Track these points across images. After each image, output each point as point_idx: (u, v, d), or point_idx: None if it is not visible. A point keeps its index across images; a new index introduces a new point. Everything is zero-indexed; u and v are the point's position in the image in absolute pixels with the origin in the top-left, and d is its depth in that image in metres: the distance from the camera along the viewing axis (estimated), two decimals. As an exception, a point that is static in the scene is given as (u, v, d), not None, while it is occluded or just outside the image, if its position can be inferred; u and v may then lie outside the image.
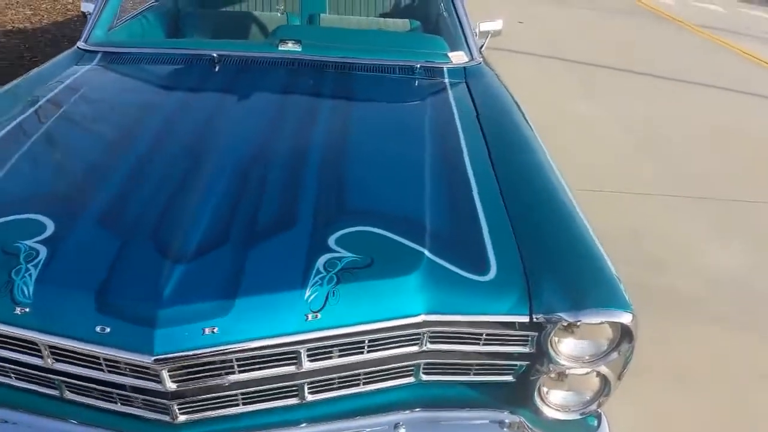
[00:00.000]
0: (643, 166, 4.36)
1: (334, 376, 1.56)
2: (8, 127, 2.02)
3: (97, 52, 2.60)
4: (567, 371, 1.62)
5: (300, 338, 1.42)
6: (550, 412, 1.66)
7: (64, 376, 1.48)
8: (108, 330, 1.35)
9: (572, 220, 1.78)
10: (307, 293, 1.43)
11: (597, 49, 7.37)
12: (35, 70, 2.52)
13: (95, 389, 1.49)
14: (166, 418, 1.48)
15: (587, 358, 1.59)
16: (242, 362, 1.44)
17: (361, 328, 1.46)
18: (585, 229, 1.75)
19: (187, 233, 1.53)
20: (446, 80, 2.61)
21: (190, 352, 1.37)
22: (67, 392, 1.52)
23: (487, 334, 1.56)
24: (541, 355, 1.58)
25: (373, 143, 2.11)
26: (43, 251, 1.45)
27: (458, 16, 2.91)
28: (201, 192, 1.68)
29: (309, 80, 2.52)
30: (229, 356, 1.41)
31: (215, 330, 1.37)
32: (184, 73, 2.53)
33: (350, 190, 1.82)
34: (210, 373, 1.43)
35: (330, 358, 1.51)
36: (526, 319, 1.51)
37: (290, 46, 2.65)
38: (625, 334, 1.55)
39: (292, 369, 1.49)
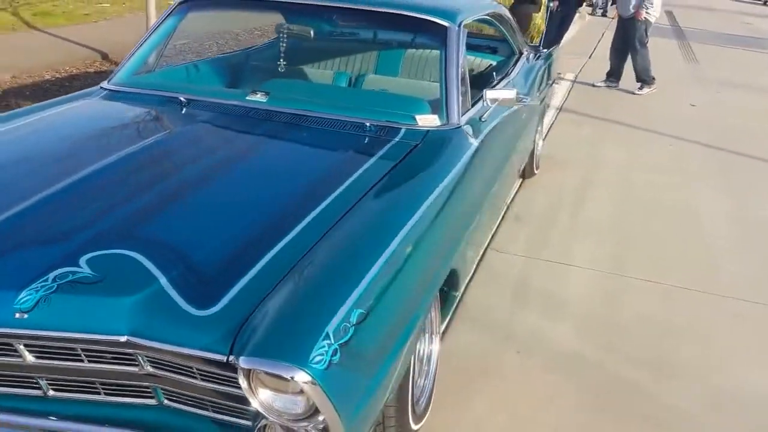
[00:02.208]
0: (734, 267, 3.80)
1: (71, 378, 1.67)
2: None
3: (107, 90, 2.99)
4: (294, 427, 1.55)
5: (7, 332, 1.57)
6: None
7: None
8: None
9: (346, 283, 1.67)
10: (22, 295, 1.57)
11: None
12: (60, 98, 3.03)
13: None
14: None
15: (285, 415, 1.52)
16: None
17: (64, 335, 1.57)
18: (348, 293, 1.63)
19: None
20: (394, 140, 2.58)
21: None
22: None
23: (198, 369, 1.56)
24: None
25: (239, 185, 2.22)
26: None
27: (446, 80, 2.86)
28: (32, 203, 1.92)
29: (247, 127, 2.67)
30: None
31: None
32: (148, 112, 2.81)
33: (156, 220, 1.93)
34: None
35: (53, 358, 1.63)
36: (223, 358, 1.49)
37: (258, 97, 2.81)
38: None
39: (18, 360, 1.63)
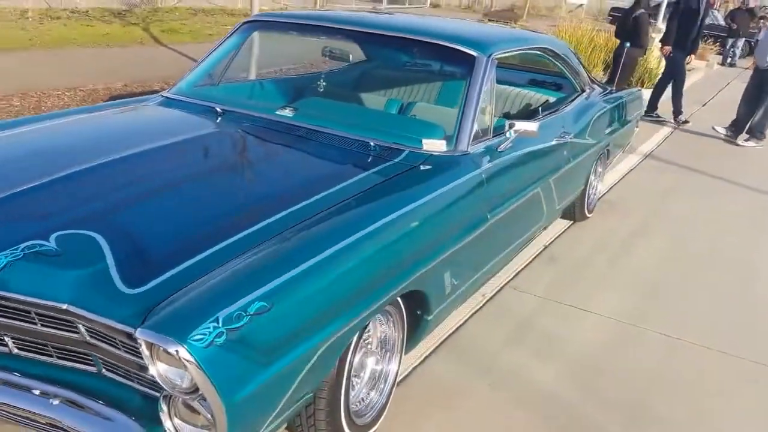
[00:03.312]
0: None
1: (29, 339, 1.93)
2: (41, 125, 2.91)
3: (164, 97, 3.35)
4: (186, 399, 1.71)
5: None
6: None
7: None
8: None
9: (259, 278, 1.82)
10: None
11: None
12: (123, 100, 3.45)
13: None
14: None
15: (177, 387, 1.69)
16: None
17: (19, 297, 1.81)
18: (256, 286, 1.78)
19: None
20: (393, 160, 2.72)
21: None
22: None
23: (120, 341, 1.77)
24: None
25: (226, 185, 2.47)
26: None
27: (464, 107, 2.95)
28: (36, 185, 2.23)
29: (265, 138, 2.93)
30: None
31: None
32: (184, 118, 3.12)
33: (133, 209, 2.18)
34: None
35: (14, 319, 1.89)
36: (132, 331, 1.66)
37: (285, 112, 3.06)
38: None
39: (-14, 318, 1.92)
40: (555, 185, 3.81)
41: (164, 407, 1.76)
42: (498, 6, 25.59)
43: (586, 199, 4.79)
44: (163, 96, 3.40)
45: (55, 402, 1.85)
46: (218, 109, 3.10)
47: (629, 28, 8.78)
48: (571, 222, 4.83)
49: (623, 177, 6.26)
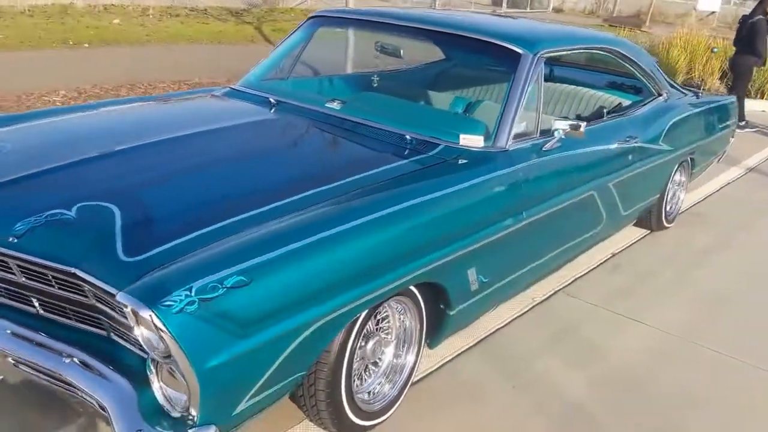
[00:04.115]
0: None
1: (51, 300, 2.08)
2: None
3: (232, 89, 3.51)
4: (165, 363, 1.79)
5: (2, 251, 2.01)
6: (157, 394, 1.85)
7: None
8: None
9: (245, 252, 1.88)
10: (19, 225, 2.02)
11: None
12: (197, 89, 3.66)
13: None
14: None
15: (155, 351, 1.77)
16: None
17: (36, 260, 1.97)
18: (239, 260, 1.83)
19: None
20: (428, 153, 2.73)
21: None
22: None
23: (117, 306, 1.85)
24: None
25: (254, 168, 2.57)
26: None
27: (506, 104, 2.91)
28: (77, 160, 2.42)
29: (309, 127, 3.04)
30: None
31: None
32: (240, 107, 3.27)
33: (155, 186, 2.31)
34: None
35: (36, 281, 2.05)
36: (116, 293, 1.75)
37: (334, 105, 3.13)
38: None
39: (14, 278, 2.08)
40: (617, 191, 3.65)
41: (153, 368, 1.85)
42: (624, 12, 24.56)
43: (664, 209, 4.55)
44: (230, 87, 3.57)
45: (67, 360, 1.98)
46: (272, 100, 3.22)
47: (744, 35, 8.22)
48: (648, 231, 4.61)
49: (719, 189, 5.89)
